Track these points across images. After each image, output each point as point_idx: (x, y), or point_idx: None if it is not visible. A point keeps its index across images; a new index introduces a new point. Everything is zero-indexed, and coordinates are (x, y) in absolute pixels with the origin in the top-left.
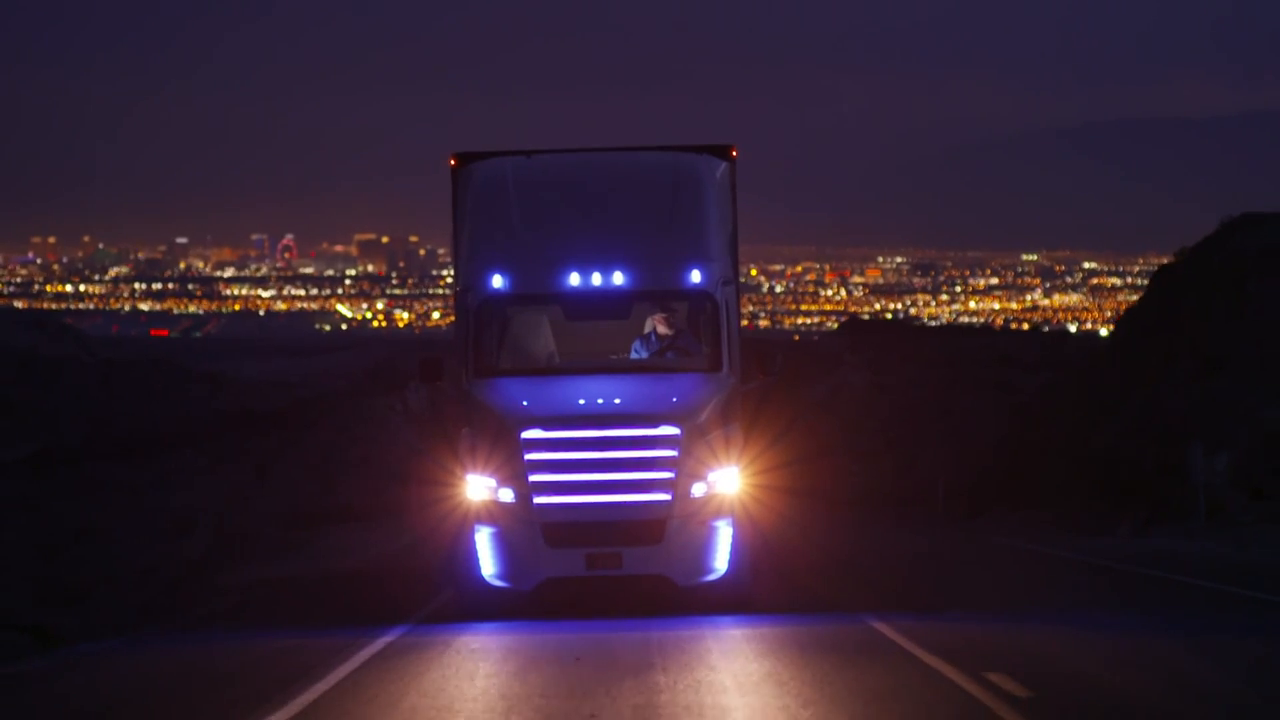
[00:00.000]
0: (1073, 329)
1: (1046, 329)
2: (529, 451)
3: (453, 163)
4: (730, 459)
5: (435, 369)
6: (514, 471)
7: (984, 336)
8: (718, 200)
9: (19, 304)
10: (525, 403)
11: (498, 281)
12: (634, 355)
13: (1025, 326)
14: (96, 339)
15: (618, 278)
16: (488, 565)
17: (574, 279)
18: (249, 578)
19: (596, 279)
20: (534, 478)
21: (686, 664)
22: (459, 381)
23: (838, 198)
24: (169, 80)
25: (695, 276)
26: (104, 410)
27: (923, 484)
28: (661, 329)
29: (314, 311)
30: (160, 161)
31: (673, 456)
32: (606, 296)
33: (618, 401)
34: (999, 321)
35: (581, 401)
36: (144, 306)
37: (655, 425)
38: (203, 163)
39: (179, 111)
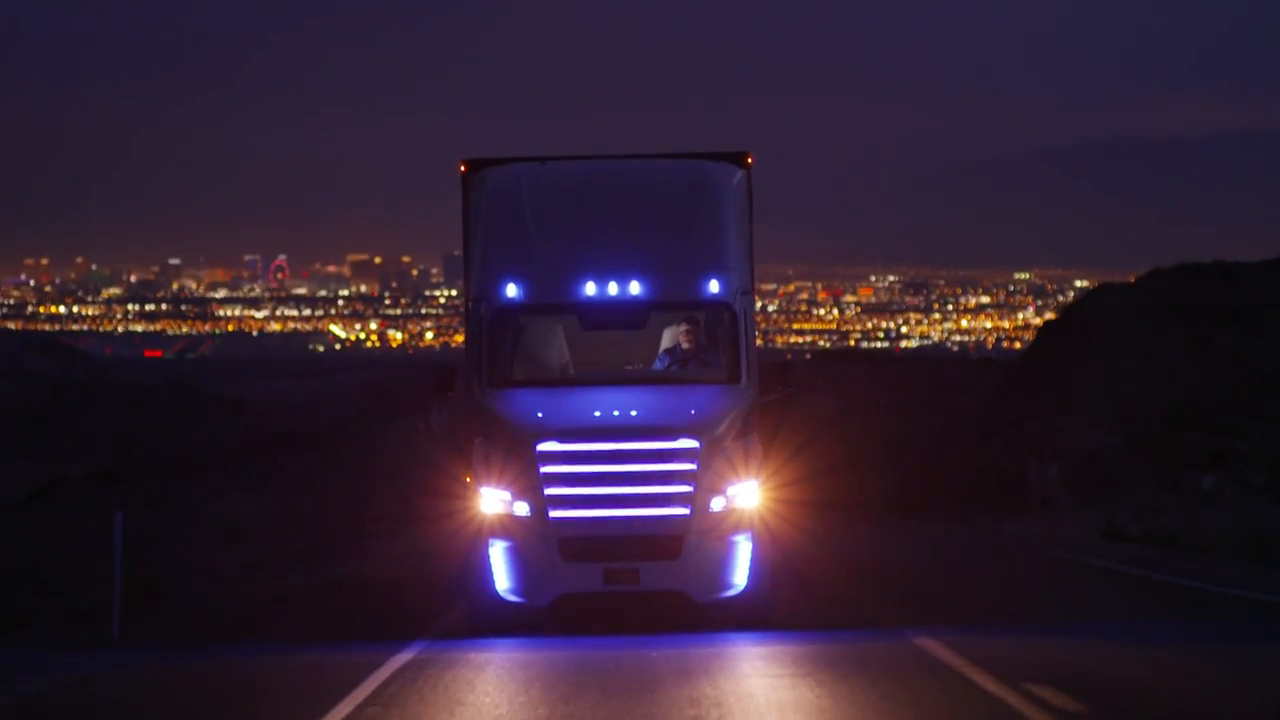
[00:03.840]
0: None
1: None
2: (545, 464)
3: (463, 169)
4: (749, 473)
5: (447, 379)
6: (529, 484)
7: (937, 365)
8: (735, 208)
9: (13, 325)
10: (540, 414)
11: (512, 291)
12: (657, 368)
13: (1017, 345)
14: (97, 360)
15: (634, 287)
16: (502, 580)
17: (590, 288)
18: (287, 584)
19: (613, 288)
20: (550, 491)
21: (726, 682)
22: (472, 392)
23: (831, 216)
24: (161, 102)
25: (714, 286)
26: (137, 432)
27: (870, 492)
28: (685, 342)
29: (307, 332)
30: (153, 183)
31: (691, 470)
32: (623, 306)
33: (634, 414)
34: (990, 340)
35: (597, 414)
36: (137, 328)
37: (674, 438)
38: (195, 184)
39: (171, 133)
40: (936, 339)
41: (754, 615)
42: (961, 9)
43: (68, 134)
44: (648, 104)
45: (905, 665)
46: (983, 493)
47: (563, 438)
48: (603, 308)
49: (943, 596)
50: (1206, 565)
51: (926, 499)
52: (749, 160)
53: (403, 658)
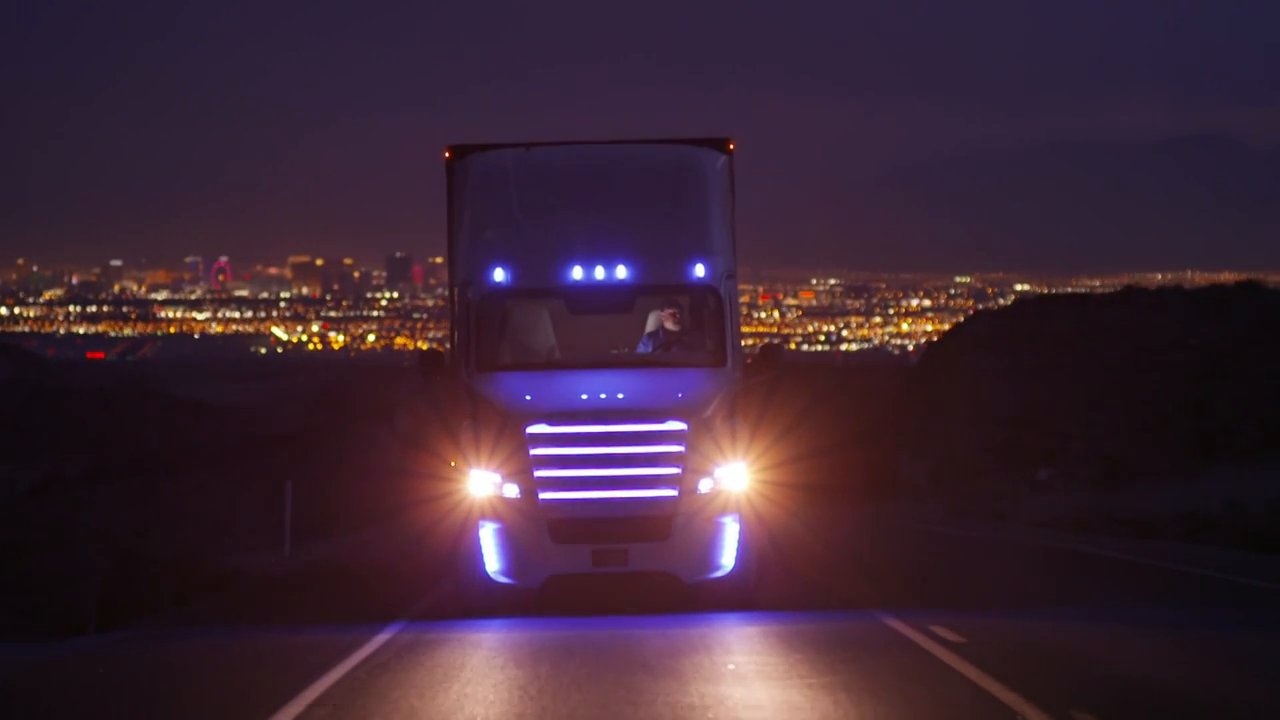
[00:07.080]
0: None
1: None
2: (534, 447)
3: (447, 155)
4: (736, 454)
5: (435, 362)
6: (519, 467)
7: (870, 375)
8: (719, 193)
9: None
10: (529, 397)
11: (499, 275)
12: (641, 351)
13: None
14: (44, 362)
15: (621, 271)
16: (492, 561)
17: (577, 272)
18: (269, 569)
19: (599, 273)
20: (539, 473)
21: (709, 665)
22: (459, 376)
23: (771, 219)
24: (102, 102)
25: (699, 270)
26: (111, 434)
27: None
28: (669, 325)
29: (249, 334)
30: (94, 184)
31: (679, 452)
32: (609, 290)
33: (621, 396)
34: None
35: (584, 396)
36: (79, 329)
37: (661, 420)
38: (137, 185)
39: (112, 134)
40: (877, 342)
41: (740, 596)
42: (901, 11)
43: (7, 134)
44: (580, 104)
45: (870, 634)
46: (868, 483)
47: (552, 420)
48: (589, 292)
49: (870, 570)
50: (1043, 536)
51: (832, 492)
52: (731, 146)
53: (382, 638)
